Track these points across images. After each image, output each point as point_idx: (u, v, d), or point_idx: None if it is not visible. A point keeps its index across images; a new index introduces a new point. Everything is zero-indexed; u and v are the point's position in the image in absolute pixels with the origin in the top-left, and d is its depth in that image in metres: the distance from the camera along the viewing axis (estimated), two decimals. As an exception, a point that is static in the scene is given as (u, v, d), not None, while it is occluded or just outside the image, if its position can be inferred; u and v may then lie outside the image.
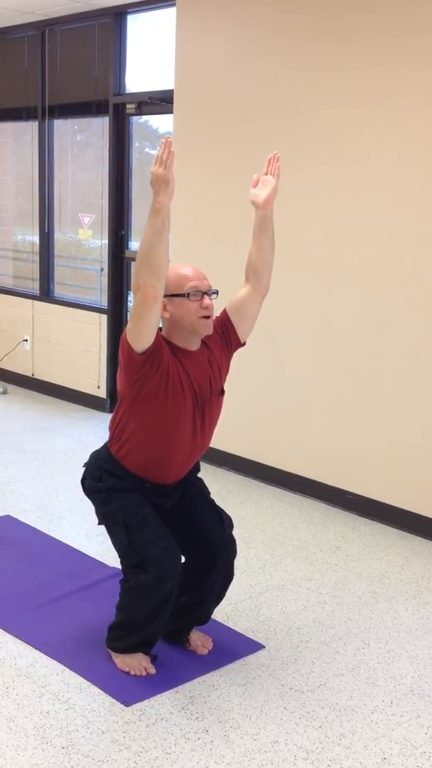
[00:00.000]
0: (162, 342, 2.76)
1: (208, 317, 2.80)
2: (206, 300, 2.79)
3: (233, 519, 3.10)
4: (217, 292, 2.84)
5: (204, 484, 3.11)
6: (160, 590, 2.79)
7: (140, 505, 2.86)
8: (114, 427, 2.90)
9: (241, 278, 3.03)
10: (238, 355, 3.05)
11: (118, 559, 2.94)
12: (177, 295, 2.75)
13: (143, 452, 2.85)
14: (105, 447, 2.96)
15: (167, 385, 2.74)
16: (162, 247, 2.59)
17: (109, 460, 2.91)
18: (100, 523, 2.97)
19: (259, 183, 2.95)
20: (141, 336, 2.67)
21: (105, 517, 2.92)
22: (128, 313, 6.19)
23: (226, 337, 2.96)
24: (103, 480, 2.89)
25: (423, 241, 4.09)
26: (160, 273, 2.61)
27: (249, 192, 2.94)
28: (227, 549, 2.99)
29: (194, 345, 2.85)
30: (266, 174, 2.95)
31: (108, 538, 2.96)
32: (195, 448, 2.93)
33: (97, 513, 2.97)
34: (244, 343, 3.03)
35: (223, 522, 3.01)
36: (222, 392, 2.95)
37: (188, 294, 2.76)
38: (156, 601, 2.81)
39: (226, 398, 2.98)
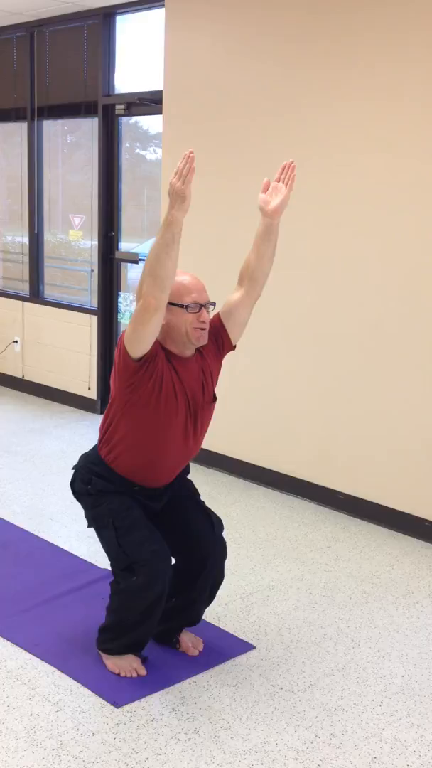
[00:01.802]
0: (158, 349, 2.75)
1: (203, 329, 2.80)
2: (203, 314, 2.78)
3: (224, 520, 3.11)
4: (214, 304, 2.84)
5: (194, 486, 3.11)
6: (150, 592, 2.79)
7: (130, 507, 2.86)
8: (104, 430, 2.90)
9: (231, 283, 3.00)
10: (229, 357, 3.05)
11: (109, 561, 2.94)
12: (176, 305, 2.74)
13: (133, 456, 2.84)
14: (94, 449, 2.96)
15: (160, 391, 2.74)
16: (169, 261, 2.57)
17: (98, 463, 2.90)
18: (89, 526, 2.97)
19: (270, 189, 2.85)
20: (139, 343, 2.67)
21: (94, 519, 2.92)
22: (119, 315, 6.19)
23: (219, 343, 2.95)
24: (93, 483, 2.88)
25: (422, 242, 4.08)
26: (165, 285, 2.60)
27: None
28: (217, 550, 2.99)
29: (188, 352, 2.84)
30: (278, 181, 2.84)
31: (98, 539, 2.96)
32: (186, 453, 2.92)
33: (87, 516, 2.96)
34: (234, 347, 3.02)
35: (213, 523, 3.00)
36: (214, 399, 2.94)
37: (187, 306, 2.75)
38: (146, 603, 2.81)
39: (217, 399, 2.98)
